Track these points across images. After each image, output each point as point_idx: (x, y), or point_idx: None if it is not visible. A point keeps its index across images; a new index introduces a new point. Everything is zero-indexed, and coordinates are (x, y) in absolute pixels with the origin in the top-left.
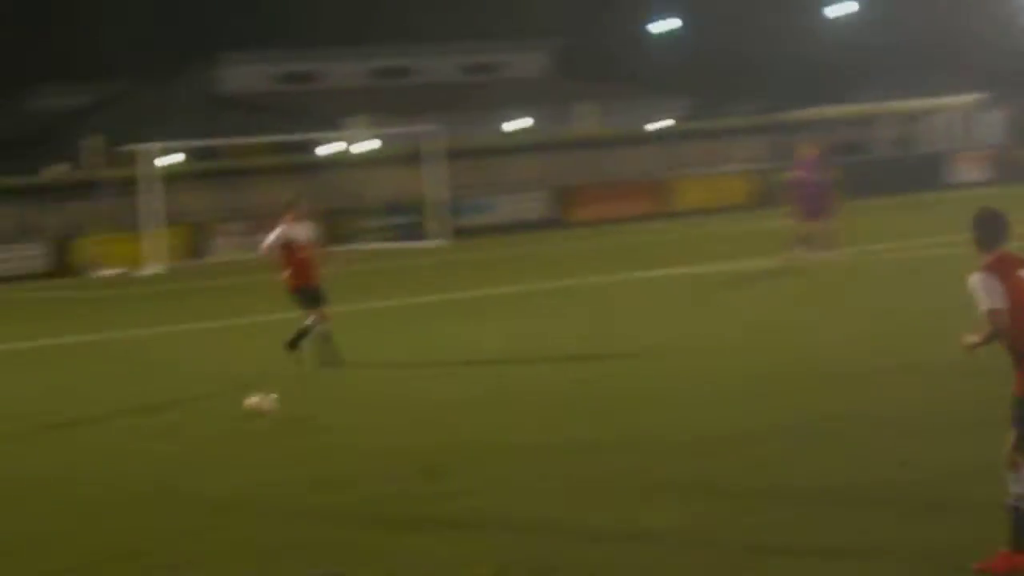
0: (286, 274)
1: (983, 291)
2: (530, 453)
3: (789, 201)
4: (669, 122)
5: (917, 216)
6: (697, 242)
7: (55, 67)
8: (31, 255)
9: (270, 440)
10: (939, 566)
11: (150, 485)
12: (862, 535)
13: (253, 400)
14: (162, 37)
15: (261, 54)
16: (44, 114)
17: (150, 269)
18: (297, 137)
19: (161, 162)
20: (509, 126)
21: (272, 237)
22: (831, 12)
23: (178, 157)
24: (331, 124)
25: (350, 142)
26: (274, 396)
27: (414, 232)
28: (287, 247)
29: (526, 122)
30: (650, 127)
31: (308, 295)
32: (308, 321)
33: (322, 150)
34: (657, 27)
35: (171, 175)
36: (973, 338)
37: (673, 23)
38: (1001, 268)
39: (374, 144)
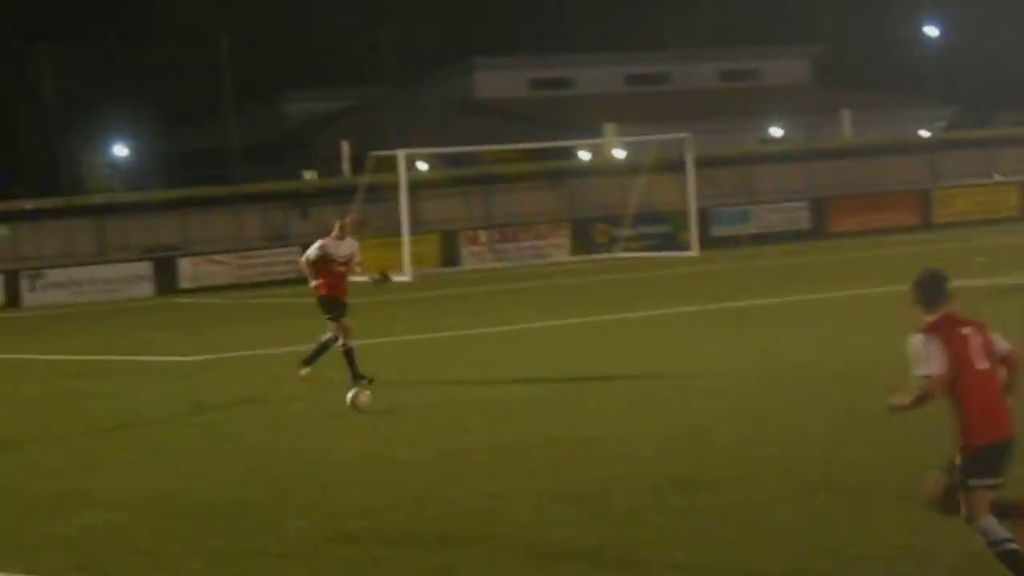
0: (318, 283)
1: (923, 354)
2: (778, 466)
3: None
4: (934, 130)
5: None
6: (963, 255)
7: (312, 72)
8: (283, 260)
9: (523, 452)
10: None
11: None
12: None
13: (349, 396)
14: (416, 43)
15: (515, 60)
16: (298, 119)
17: (401, 276)
18: (549, 144)
19: (412, 168)
20: (766, 134)
21: (313, 250)
22: None
23: (422, 164)
24: (584, 131)
25: (603, 150)
26: (367, 392)
27: (667, 242)
28: (324, 260)
29: (779, 131)
30: (921, 133)
31: (333, 306)
32: (325, 337)
33: (575, 158)
34: (919, 34)
35: (422, 181)
36: (902, 399)
37: (935, 30)
38: (944, 328)
39: (623, 152)
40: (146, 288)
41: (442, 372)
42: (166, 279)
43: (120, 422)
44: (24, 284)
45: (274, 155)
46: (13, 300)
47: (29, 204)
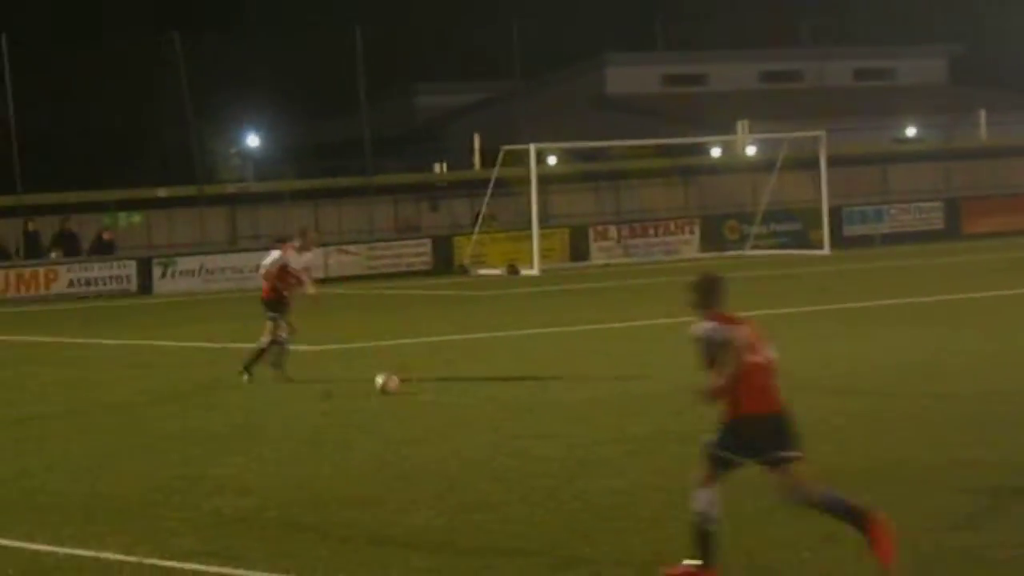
0: (267, 286)
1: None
2: (919, 473)
3: None
4: None
5: None
6: None
7: (444, 66)
8: (416, 252)
9: (653, 448)
10: None
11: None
12: None
13: (379, 380)
14: (549, 37)
15: (648, 56)
16: (430, 112)
17: (529, 271)
18: (680, 141)
19: (542, 163)
20: (901, 133)
21: (269, 260)
22: None
23: (552, 159)
24: (717, 128)
25: (734, 146)
26: (396, 377)
27: (798, 240)
28: (281, 271)
29: (913, 131)
30: None
31: (276, 305)
32: (264, 338)
33: (706, 154)
34: None
35: (552, 176)
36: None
37: None
38: (726, 320)
39: (755, 149)
40: None
41: (569, 367)
42: None
43: (249, 410)
44: (156, 271)
45: (406, 148)
46: (145, 287)
47: (162, 192)
